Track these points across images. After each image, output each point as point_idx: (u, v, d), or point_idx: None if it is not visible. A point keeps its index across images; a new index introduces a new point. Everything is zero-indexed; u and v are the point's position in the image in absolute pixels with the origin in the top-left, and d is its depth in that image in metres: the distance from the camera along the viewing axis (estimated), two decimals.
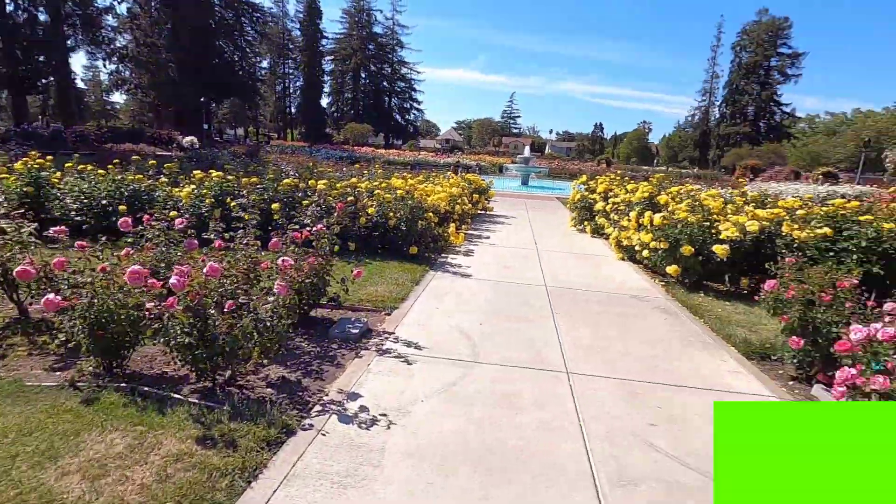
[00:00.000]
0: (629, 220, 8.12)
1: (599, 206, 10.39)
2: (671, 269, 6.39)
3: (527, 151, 30.96)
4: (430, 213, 8.11)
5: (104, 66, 40.08)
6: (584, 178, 12.25)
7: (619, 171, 12.92)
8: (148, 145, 24.75)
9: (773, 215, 6.60)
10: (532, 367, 3.94)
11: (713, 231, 6.37)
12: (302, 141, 57.39)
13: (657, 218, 6.85)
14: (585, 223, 11.21)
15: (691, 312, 5.58)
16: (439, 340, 4.35)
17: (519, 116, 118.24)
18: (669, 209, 6.94)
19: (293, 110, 75.54)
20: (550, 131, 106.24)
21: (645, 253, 6.97)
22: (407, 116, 78.63)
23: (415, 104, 78.19)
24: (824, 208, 6.60)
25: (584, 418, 3.20)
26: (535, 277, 6.72)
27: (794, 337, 3.73)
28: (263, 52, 61.80)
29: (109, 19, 36.00)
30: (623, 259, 8.29)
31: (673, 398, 3.58)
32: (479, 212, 13.25)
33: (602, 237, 10.43)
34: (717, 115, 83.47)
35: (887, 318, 3.14)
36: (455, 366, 3.87)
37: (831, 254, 5.81)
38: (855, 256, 5.63)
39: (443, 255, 7.88)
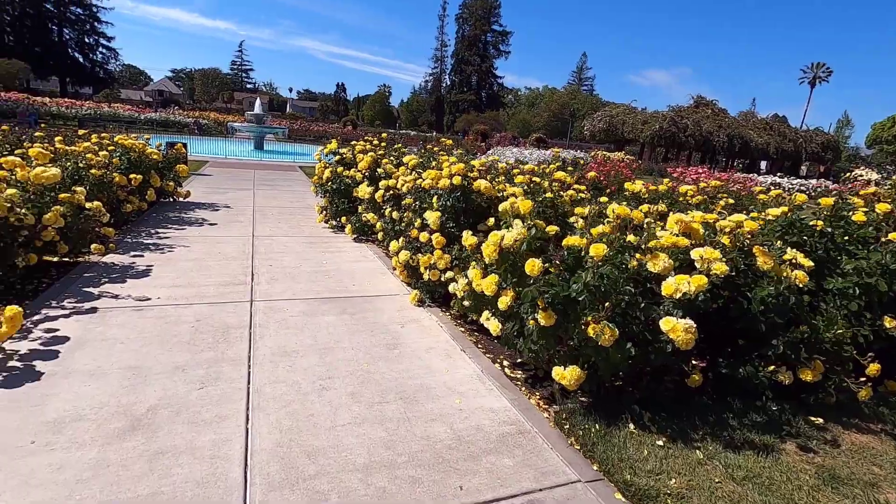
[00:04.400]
0: (428, 230, 4.55)
1: (364, 191, 6.56)
2: (565, 374, 2.75)
3: (258, 107, 23.80)
4: None
5: None
6: (333, 143, 8.21)
7: (383, 135, 9.30)
8: None
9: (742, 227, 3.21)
10: None
11: (646, 276, 2.77)
12: None
13: (512, 238, 3.05)
14: (343, 218, 7.30)
15: None
16: None
17: (252, 70, 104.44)
18: (517, 214, 3.34)
19: None
20: (290, 89, 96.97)
21: (491, 322, 3.25)
22: (92, 56, 58.77)
23: (103, 40, 58.97)
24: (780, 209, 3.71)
25: None
26: (225, 444, 2.29)
27: None
28: None
29: None
30: (423, 303, 4.53)
31: None
32: (167, 201, 7.95)
33: (371, 243, 6.72)
34: (448, 83, 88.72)
35: None
36: None
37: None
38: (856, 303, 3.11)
39: None
